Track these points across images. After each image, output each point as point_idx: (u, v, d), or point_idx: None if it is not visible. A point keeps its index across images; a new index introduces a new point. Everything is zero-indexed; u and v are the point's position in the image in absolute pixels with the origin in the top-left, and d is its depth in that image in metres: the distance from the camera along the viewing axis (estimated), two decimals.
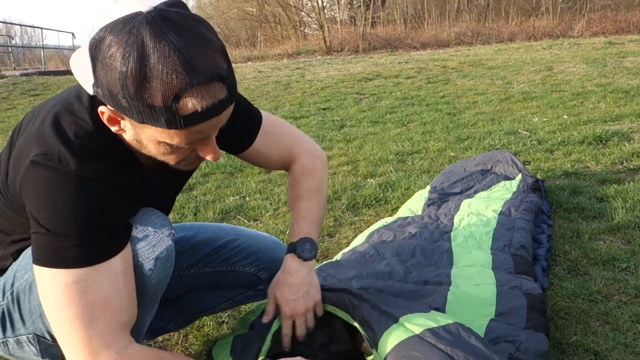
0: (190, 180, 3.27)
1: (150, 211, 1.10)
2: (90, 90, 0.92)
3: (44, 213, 0.94)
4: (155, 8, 0.85)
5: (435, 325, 1.17)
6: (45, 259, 0.94)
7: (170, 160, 1.00)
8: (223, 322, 1.74)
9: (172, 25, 0.84)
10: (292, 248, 1.31)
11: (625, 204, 2.40)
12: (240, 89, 7.71)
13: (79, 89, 1.05)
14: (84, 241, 0.94)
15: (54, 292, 0.94)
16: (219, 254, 1.43)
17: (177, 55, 0.82)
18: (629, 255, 1.95)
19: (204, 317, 1.77)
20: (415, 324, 1.19)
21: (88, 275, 0.95)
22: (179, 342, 1.65)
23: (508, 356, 1.17)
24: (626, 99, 4.98)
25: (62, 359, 1.28)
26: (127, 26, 0.83)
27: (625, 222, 2.22)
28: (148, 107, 0.85)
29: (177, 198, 2.97)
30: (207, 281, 1.44)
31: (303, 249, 1.30)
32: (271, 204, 2.87)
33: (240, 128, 1.26)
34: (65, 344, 0.96)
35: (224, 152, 1.31)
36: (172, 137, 0.90)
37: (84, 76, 0.92)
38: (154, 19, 0.83)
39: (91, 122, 0.99)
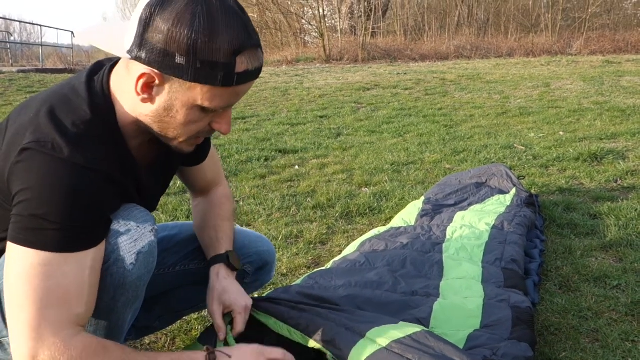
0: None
1: (133, 206, 1.10)
2: (125, 56, 0.95)
3: (30, 194, 0.93)
4: None
5: (402, 335, 1.17)
6: (20, 237, 0.93)
7: (187, 133, 1.03)
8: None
9: None
10: (222, 258, 1.33)
11: (618, 222, 2.40)
12: None
13: (73, 83, 1.05)
14: (63, 227, 0.94)
15: (18, 270, 0.93)
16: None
17: (238, 19, 0.94)
18: (621, 273, 1.95)
19: (192, 321, 1.76)
20: (382, 337, 1.18)
21: (56, 261, 0.94)
22: (166, 345, 1.63)
23: (482, 358, 1.16)
24: (622, 118, 5.00)
25: None
26: None
27: (617, 240, 2.22)
28: (209, 64, 0.92)
29: (170, 200, 2.97)
30: (193, 277, 1.43)
31: (232, 260, 1.33)
32: (264, 209, 2.86)
33: (207, 143, 1.35)
34: (13, 324, 0.94)
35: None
36: (214, 97, 0.97)
37: (113, 44, 0.97)
38: None
39: (90, 111, 1.00)
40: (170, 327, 1.74)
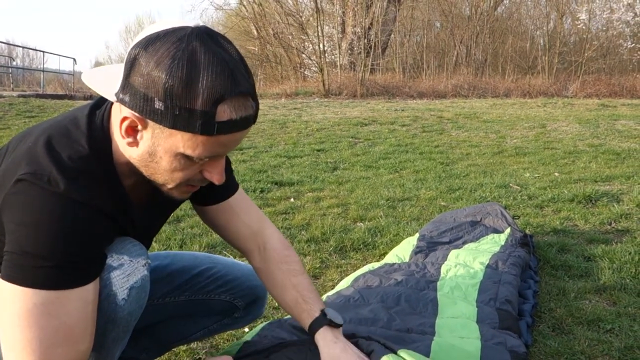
0: (179, 212, 3.25)
1: (126, 239, 1.08)
2: (112, 99, 0.94)
3: (24, 230, 0.91)
4: (200, 25, 0.93)
5: None
6: (16, 276, 0.90)
7: (174, 180, 1.00)
8: (199, 358, 1.70)
9: (217, 41, 0.92)
10: (323, 320, 1.26)
11: (612, 265, 2.40)
12: None
13: (75, 115, 1.04)
14: (60, 264, 0.92)
15: (16, 312, 0.90)
16: (195, 282, 1.41)
17: (223, 66, 0.90)
18: (614, 317, 1.94)
19: (181, 352, 1.73)
20: (412, 357, 1.19)
21: (57, 299, 0.92)
22: None
23: None
24: (617, 161, 5.04)
25: None
26: (176, 34, 0.90)
27: (611, 283, 2.22)
28: (186, 111, 0.89)
29: (163, 229, 2.95)
30: (183, 310, 1.41)
31: (331, 316, 1.27)
32: None
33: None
34: None
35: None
36: (197, 146, 0.93)
37: (104, 86, 0.96)
38: (202, 33, 0.91)
39: (87, 147, 0.98)
40: (158, 358, 1.71)
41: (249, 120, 0.95)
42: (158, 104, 0.89)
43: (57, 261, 0.91)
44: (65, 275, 0.93)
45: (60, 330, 0.92)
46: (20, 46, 25.58)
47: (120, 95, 0.93)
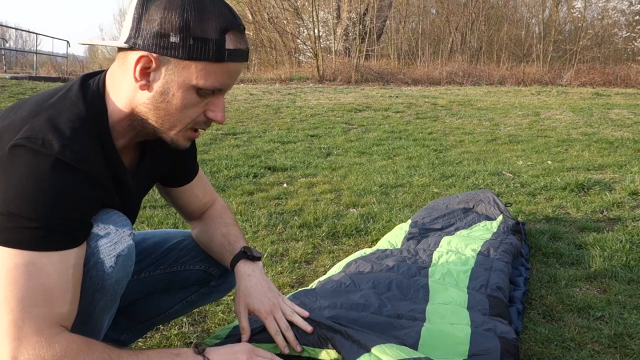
0: None
1: (111, 211, 1.10)
2: (122, 45, 1.01)
3: (12, 192, 0.92)
4: None
5: (406, 356, 1.16)
6: (1, 237, 0.92)
7: (182, 121, 1.06)
8: (191, 342, 1.70)
9: None
10: (241, 254, 1.34)
11: (603, 253, 2.41)
12: (231, 110, 7.73)
13: (68, 85, 1.07)
14: (45, 225, 0.93)
15: (0, 271, 0.92)
16: (168, 255, 1.43)
17: (224, 3, 1.03)
18: (604, 305, 1.95)
19: (172, 337, 1.73)
20: (387, 354, 1.17)
21: (38, 260, 0.93)
22: None
23: None
24: (610, 150, 5.06)
25: None
26: None
27: (602, 271, 2.23)
28: (200, 40, 0.98)
29: (156, 213, 2.94)
30: (159, 284, 1.43)
31: (250, 251, 1.34)
32: (251, 226, 2.84)
33: (191, 162, 1.39)
34: None
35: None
36: (208, 75, 1.02)
37: (109, 42, 1.09)
38: None
39: (84, 108, 1.02)
40: (149, 342, 1.71)
41: (248, 53, 1.07)
42: (174, 38, 0.98)
43: (42, 223, 0.93)
44: (48, 237, 0.94)
45: (39, 290, 0.93)
46: (13, 27, 25.30)
47: (132, 40, 1.00)
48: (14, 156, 0.93)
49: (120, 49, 1.04)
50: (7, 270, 0.92)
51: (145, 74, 1.01)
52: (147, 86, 1.02)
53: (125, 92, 1.04)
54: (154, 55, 0.99)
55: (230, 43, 1.01)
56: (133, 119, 1.06)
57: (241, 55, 1.04)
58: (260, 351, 1.17)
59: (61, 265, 0.96)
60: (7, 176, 0.93)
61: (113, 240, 1.05)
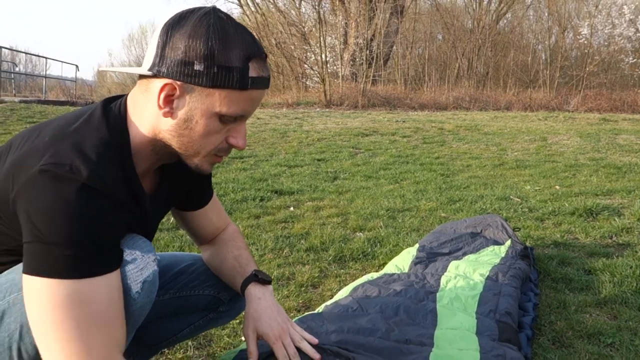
0: None
1: (136, 235, 1.10)
2: (146, 72, 1.02)
3: (42, 221, 0.91)
4: (212, 5, 1.07)
5: None
6: (40, 269, 0.91)
7: (205, 147, 1.07)
8: None
9: (231, 17, 1.06)
10: (251, 277, 1.33)
11: (612, 278, 2.38)
12: None
13: (88, 109, 1.08)
14: (82, 252, 0.93)
15: (47, 304, 0.91)
16: (178, 279, 1.42)
17: (246, 31, 1.04)
18: (615, 331, 1.92)
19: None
20: None
21: (85, 287, 0.93)
22: None
23: None
24: (618, 175, 5.03)
25: None
26: (199, 12, 1.02)
27: (612, 297, 2.20)
28: (224, 68, 0.99)
29: (162, 236, 2.94)
30: (167, 309, 1.42)
31: (261, 275, 1.34)
32: (257, 249, 2.83)
33: (207, 187, 1.40)
34: (59, 359, 0.91)
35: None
36: (232, 103, 1.02)
37: (130, 69, 1.10)
38: (219, 10, 1.04)
39: (107, 133, 1.03)
40: None
41: (269, 80, 1.08)
42: (198, 66, 0.98)
43: (77, 250, 0.92)
44: (87, 263, 0.94)
45: (94, 317, 0.93)
46: (22, 52, 25.64)
47: (157, 68, 1.01)
48: (40, 182, 0.93)
49: (142, 76, 1.05)
50: (57, 303, 0.91)
51: (169, 102, 1.02)
52: (171, 113, 1.03)
53: (148, 119, 1.05)
54: (178, 83, 1.00)
55: (253, 71, 1.02)
56: (156, 144, 1.07)
57: (264, 83, 1.05)
58: None
59: (108, 290, 0.96)
60: (34, 203, 0.93)
61: (139, 266, 1.05)
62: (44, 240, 0.91)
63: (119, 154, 1.03)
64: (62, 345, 0.91)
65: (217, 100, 1.01)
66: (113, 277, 0.98)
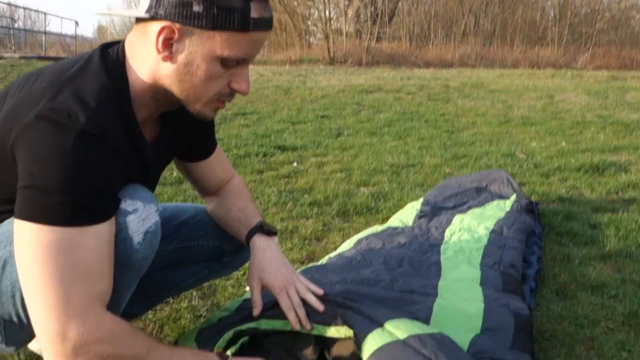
0: (180, 174, 3.22)
1: (137, 186, 1.08)
2: (143, 15, 0.97)
3: (37, 165, 0.90)
4: None
5: (420, 332, 1.14)
6: (31, 214, 0.90)
7: (207, 93, 1.04)
8: (200, 315, 1.69)
9: None
10: (257, 228, 1.32)
11: (618, 233, 2.37)
12: None
13: (86, 55, 1.05)
14: (75, 200, 0.91)
15: (34, 249, 0.90)
16: (181, 230, 1.41)
17: None
18: (619, 283, 1.92)
19: (182, 309, 1.72)
20: (400, 329, 1.15)
21: (73, 236, 0.91)
22: (154, 333, 1.60)
23: None
24: (625, 132, 4.98)
25: (25, 345, 1.23)
26: None
27: (617, 250, 2.19)
28: (224, 9, 0.95)
29: (165, 190, 2.94)
30: (171, 259, 1.41)
31: (266, 226, 1.32)
32: (261, 204, 2.83)
33: (210, 137, 1.37)
34: (37, 304, 0.91)
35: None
36: (233, 45, 0.98)
37: (127, 11, 1.07)
38: None
39: (106, 78, 1.00)
40: (159, 315, 1.71)
41: (272, 21, 1.03)
42: (197, 7, 0.94)
43: (71, 197, 0.91)
44: (80, 212, 0.92)
45: (78, 267, 0.92)
46: (22, 7, 25.26)
47: (153, 10, 0.96)
48: (37, 128, 0.91)
49: (139, 19, 1.00)
50: (42, 248, 0.90)
51: (168, 45, 0.98)
52: (170, 58, 0.99)
53: (147, 64, 1.01)
54: (177, 25, 0.95)
55: (255, 11, 0.97)
56: (156, 90, 1.04)
57: (266, 24, 1.01)
58: None
59: (96, 241, 0.94)
60: (31, 149, 0.91)
61: (141, 216, 1.03)
62: (38, 187, 0.90)
63: (118, 100, 1.00)
64: (42, 292, 0.90)
65: (218, 43, 0.97)
66: (104, 228, 0.96)
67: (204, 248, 1.43)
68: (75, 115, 0.91)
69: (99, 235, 0.95)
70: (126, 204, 1.02)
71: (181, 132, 1.24)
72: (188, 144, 1.31)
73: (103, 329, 0.93)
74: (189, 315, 1.69)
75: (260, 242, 1.30)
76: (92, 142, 0.92)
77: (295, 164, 3.80)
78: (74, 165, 0.90)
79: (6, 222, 1.04)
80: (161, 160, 1.23)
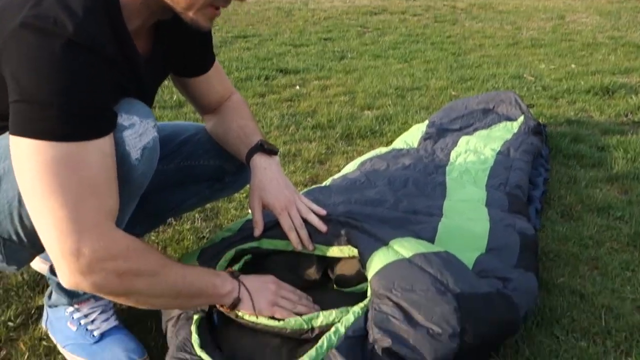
0: (180, 97, 3.16)
1: (133, 100, 1.02)
2: None
3: (28, 78, 0.84)
4: None
5: (425, 250, 1.12)
6: (27, 129, 0.85)
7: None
8: (203, 237, 1.70)
9: None
10: (257, 147, 1.28)
11: (626, 155, 2.34)
12: (240, 13, 7.45)
13: None
14: (71, 114, 0.86)
15: (35, 166, 0.85)
16: (182, 149, 1.37)
17: None
18: (625, 205, 1.90)
19: (185, 231, 1.72)
20: (405, 248, 1.14)
21: (75, 152, 0.87)
22: None
23: (496, 290, 1.12)
24: (637, 54, 4.83)
25: (27, 265, 1.22)
26: None
27: (624, 172, 2.16)
28: None
29: (166, 114, 2.89)
30: (172, 178, 1.38)
31: (267, 144, 1.28)
32: (263, 127, 2.78)
33: (207, 51, 1.30)
34: (49, 224, 0.87)
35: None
36: None
37: None
38: None
39: None
40: (161, 237, 1.71)
41: None
42: None
43: (65, 110, 0.85)
44: (76, 126, 0.87)
45: (84, 182, 0.88)
46: None
47: None
48: (22, 37, 0.85)
49: None
50: (43, 165, 0.85)
51: None
52: None
53: None
54: None
55: None
56: None
57: None
58: (284, 283, 1.20)
59: (98, 155, 0.90)
60: (17, 60, 0.85)
61: (138, 131, 0.98)
62: (29, 99, 0.84)
63: (106, 7, 0.93)
64: (51, 210, 0.86)
65: None
66: (105, 142, 0.92)
67: (205, 167, 1.40)
68: (62, 23, 0.85)
69: (101, 149, 0.91)
70: (122, 119, 0.97)
71: (177, 44, 1.18)
72: (184, 58, 1.24)
73: (117, 244, 0.91)
74: (191, 237, 1.69)
75: (260, 162, 1.27)
76: (80, 51, 0.86)
77: (297, 87, 3.71)
78: (64, 75, 0.85)
79: (0, 137, 1.00)
80: (156, 76, 1.18)
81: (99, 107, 0.91)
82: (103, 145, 0.91)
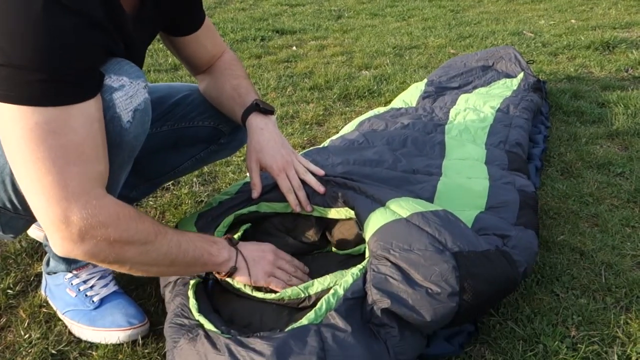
0: (176, 60, 3.11)
1: (122, 60, 0.98)
2: None
3: (8, 41, 0.80)
4: None
5: (423, 209, 1.11)
6: (10, 94, 0.81)
7: None
8: (201, 201, 1.68)
9: None
10: (252, 107, 1.25)
11: (626, 111, 2.31)
12: None
13: None
14: (54, 77, 0.83)
15: (19, 133, 0.83)
16: (175, 111, 1.34)
17: None
18: (625, 161, 1.89)
19: (183, 195, 1.71)
20: (402, 207, 1.13)
21: (60, 117, 0.84)
22: (156, 219, 1.59)
23: (495, 248, 1.11)
24: (638, 7, 4.75)
25: (23, 232, 1.21)
26: None
27: (625, 128, 2.14)
28: None
29: (161, 77, 2.84)
30: (166, 141, 1.35)
31: (262, 104, 1.26)
32: (260, 89, 2.74)
33: (197, 8, 1.26)
34: (36, 191, 0.86)
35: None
36: None
37: None
38: None
39: None
40: (159, 201, 1.70)
41: None
42: None
43: (48, 74, 0.82)
44: (60, 89, 0.84)
45: (70, 148, 0.85)
46: None
47: None
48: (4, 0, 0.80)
49: None
50: (29, 131, 0.82)
51: None
52: None
53: None
54: None
55: None
56: None
57: None
58: (282, 253, 1.20)
59: (84, 119, 0.87)
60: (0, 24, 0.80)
61: (128, 93, 0.95)
62: (10, 63, 0.80)
63: None
64: (37, 177, 0.84)
65: None
66: (91, 106, 0.88)
67: (199, 129, 1.37)
68: None
69: (87, 113, 0.88)
70: (111, 80, 0.94)
71: (165, 1, 1.13)
72: (174, 16, 1.20)
73: (107, 211, 0.89)
74: (189, 201, 1.68)
75: (257, 122, 1.24)
76: (62, 10, 0.82)
77: (294, 47, 3.66)
78: (46, 37, 0.81)
79: None
80: (144, 35, 1.13)
81: (82, 68, 0.87)
82: (89, 109, 0.88)
